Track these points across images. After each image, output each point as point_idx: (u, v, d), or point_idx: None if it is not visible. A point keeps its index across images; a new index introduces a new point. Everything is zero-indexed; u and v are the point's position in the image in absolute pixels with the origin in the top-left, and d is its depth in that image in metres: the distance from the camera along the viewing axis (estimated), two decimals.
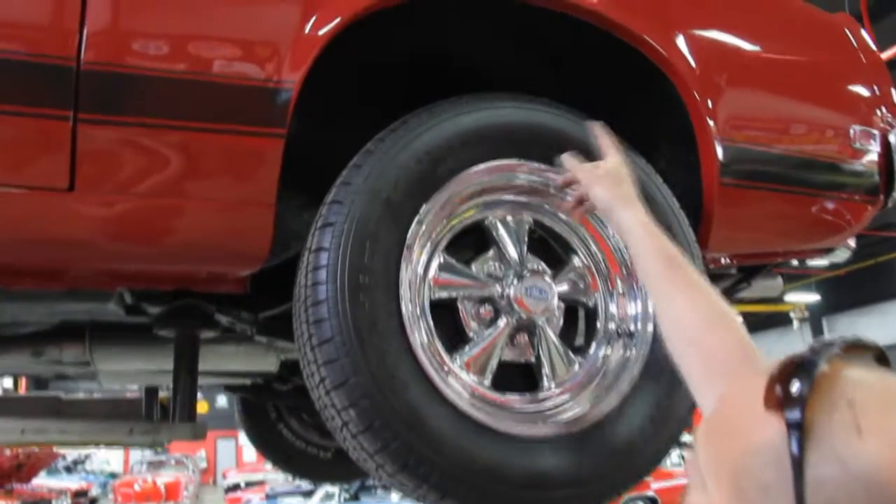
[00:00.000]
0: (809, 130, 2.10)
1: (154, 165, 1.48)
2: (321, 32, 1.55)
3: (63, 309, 1.88)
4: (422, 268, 1.61)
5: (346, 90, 1.88)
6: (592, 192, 1.39)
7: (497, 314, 1.66)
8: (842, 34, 2.26)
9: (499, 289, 1.65)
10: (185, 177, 1.49)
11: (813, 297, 21.76)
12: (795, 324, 22.28)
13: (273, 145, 1.52)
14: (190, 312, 1.85)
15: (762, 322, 23.00)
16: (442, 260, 1.64)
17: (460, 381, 1.58)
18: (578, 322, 1.81)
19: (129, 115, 1.45)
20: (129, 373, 2.58)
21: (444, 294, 1.64)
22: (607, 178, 1.38)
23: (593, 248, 1.77)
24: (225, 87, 1.50)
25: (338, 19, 1.57)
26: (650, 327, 1.73)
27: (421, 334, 1.56)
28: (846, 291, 21.28)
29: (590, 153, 1.71)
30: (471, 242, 1.74)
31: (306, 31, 1.54)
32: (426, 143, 1.59)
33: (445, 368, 1.57)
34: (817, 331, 22.49)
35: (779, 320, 22.87)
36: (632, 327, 1.75)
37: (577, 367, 1.71)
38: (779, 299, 21.52)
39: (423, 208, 1.58)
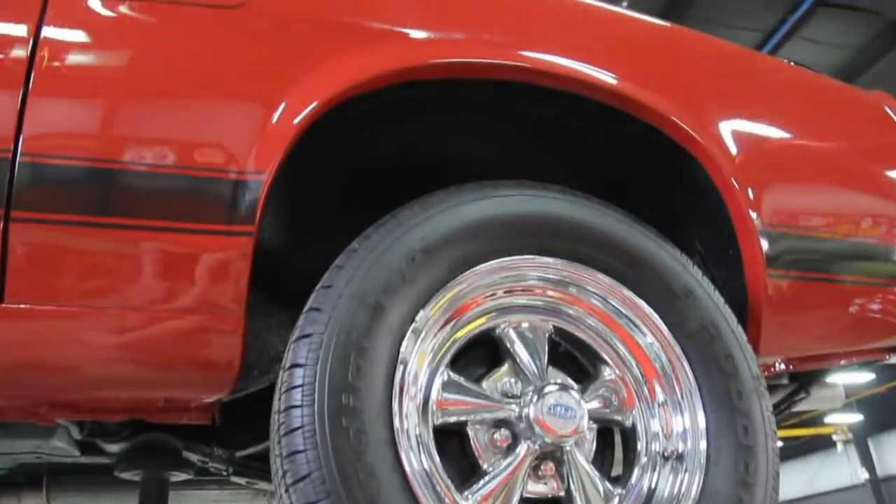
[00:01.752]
0: (860, 215, 1.85)
1: (98, 271, 1.26)
2: (295, 121, 1.35)
3: (2, 448, 1.61)
4: (422, 387, 1.34)
5: (333, 185, 1.67)
6: None
7: (515, 440, 1.37)
8: (882, 112, 2.06)
9: (515, 409, 1.38)
10: (130, 282, 1.26)
11: (855, 417, 20.89)
12: (839, 446, 21.35)
13: (239, 246, 1.29)
14: (154, 450, 1.58)
15: (804, 446, 22.09)
16: (447, 377, 1.38)
17: None
18: (615, 446, 1.52)
19: (66, 212, 1.24)
20: None
21: (450, 418, 1.36)
22: None
23: (625, 354, 1.50)
24: (181, 179, 1.29)
25: (312, 105, 1.37)
26: (703, 445, 1.43)
27: (421, 468, 1.27)
28: (890, 408, 20.41)
29: (616, 247, 1.48)
30: (481, 356, 1.48)
31: (275, 119, 1.34)
32: (421, 239, 1.35)
33: None
34: (864, 452, 21.52)
35: (821, 444, 21.96)
36: (680, 447, 1.45)
37: (616, 501, 1.41)
38: (819, 421, 20.75)
39: (420, 315, 1.33)
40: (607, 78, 1.59)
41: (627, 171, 1.82)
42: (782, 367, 1.84)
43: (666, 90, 1.65)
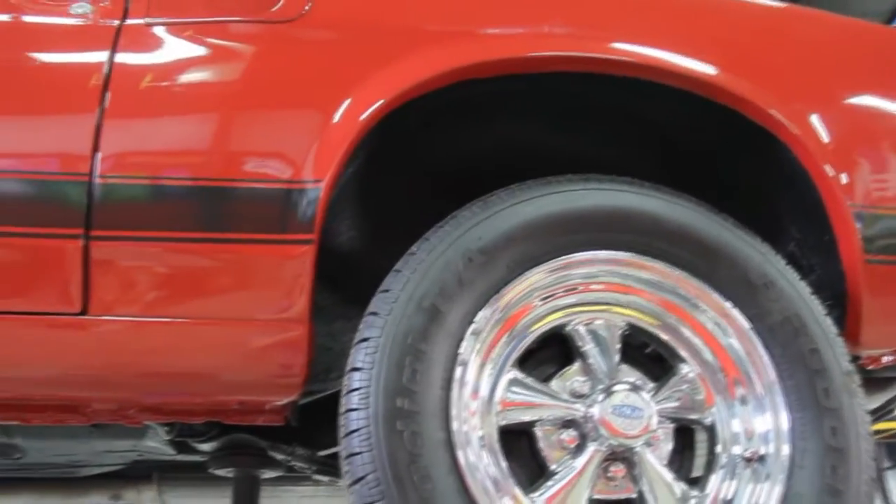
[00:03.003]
0: None
1: (171, 283, 1.33)
2: (352, 124, 1.37)
3: (103, 447, 1.73)
4: (486, 388, 1.33)
5: (405, 187, 1.68)
6: None
7: (583, 440, 1.34)
8: None
9: (581, 409, 1.35)
10: (205, 294, 1.33)
11: None
12: None
13: (301, 254, 1.32)
14: (242, 449, 1.65)
15: None
16: (512, 377, 1.36)
17: None
18: (695, 447, 1.46)
19: (139, 229, 1.31)
20: None
21: (515, 418, 1.35)
22: None
23: (702, 350, 1.43)
24: (245, 191, 1.34)
25: (375, 106, 1.38)
26: (786, 449, 1.36)
27: (483, 469, 1.27)
28: None
29: (688, 238, 1.43)
30: (554, 355, 1.45)
31: (332, 127, 1.36)
32: (479, 239, 1.34)
33: None
34: None
35: None
36: (762, 449, 1.38)
37: (692, 503, 1.36)
38: None
39: (480, 316, 1.32)
40: (691, 65, 1.53)
41: (715, 160, 1.74)
42: (892, 359, 1.72)
43: (754, 76, 1.57)
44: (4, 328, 1.34)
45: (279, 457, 1.69)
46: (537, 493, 1.31)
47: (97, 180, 1.33)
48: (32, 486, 2.09)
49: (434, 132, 1.64)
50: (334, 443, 1.63)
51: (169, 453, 1.71)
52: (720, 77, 1.52)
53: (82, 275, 1.32)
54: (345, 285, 1.61)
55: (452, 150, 1.71)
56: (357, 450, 1.21)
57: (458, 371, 1.28)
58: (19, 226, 1.34)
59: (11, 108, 1.40)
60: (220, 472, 1.75)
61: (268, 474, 1.80)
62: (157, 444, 1.65)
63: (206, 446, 1.65)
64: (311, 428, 1.58)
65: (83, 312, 1.32)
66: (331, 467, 1.69)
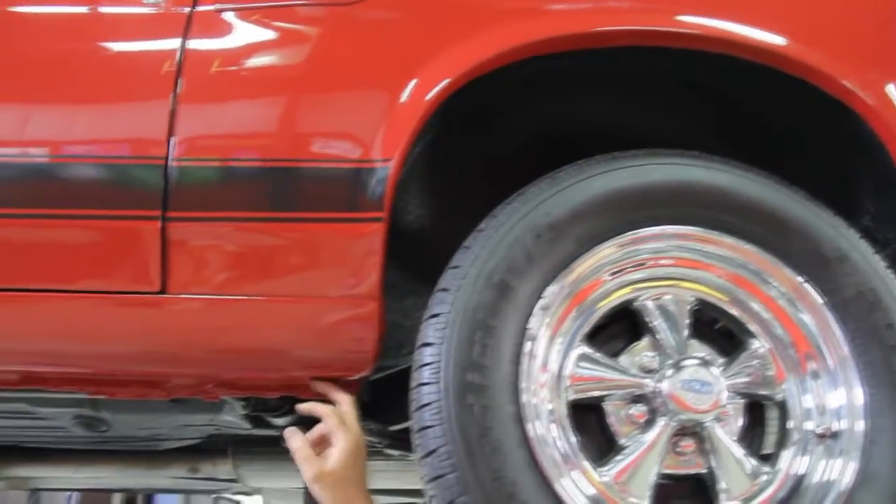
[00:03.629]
0: None
1: (246, 262, 1.37)
2: (420, 103, 1.38)
3: (183, 421, 1.79)
4: (554, 362, 1.35)
5: (475, 164, 1.69)
6: (311, 489, 1.38)
7: (653, 415, 1.35)
8: None
9: (651, 384, 1.35)
10: (278, 272, 1.36)
11: None
12: None
13: (371, 231, 1.35)
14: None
15: None
16: (581, 352, 1.37)
17: (608, 499, 1.28)
18: (766, 423, 1.45)
19: (214, 210, 1.35)
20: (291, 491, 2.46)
21: (584, 393, 1.35)
22: (330, 484, 1.37)
23: (773, 325, 1.42)
24: (317, 171, 1.37)
25: (443, 84, 1.39)
26: (861, 426, 1.34)
27: (552, 443, 1.28)
28: None
29: (758, 212, 1.41)
30: (623, 330, 1.45)
31: (401, 104, 1.38)
32: (547, 215, 1.35)
33: (586, 485, 1.28)
34: None
35: None
36: (835, 426, 1.37)
37: (763, 479, 1.35)
38: None
39: (549, 291, 1.33)
40: (759, 35, 1.50)
41: (788, 134, 1.71)
42: None
43: (826, 46, 1.53)
44: (88, 307, 1.40)
45: None
46: (606, 468, 1.32)
47: (173, 163, 1.38)
48: (116, 459, 2.17)
49: (499, 109, 1.64)
50: (405, 418, 1.66)
51: (244, 428, 1.76)
52: (790, 47, 1.49)
53: (161, 255, 1.37)
54: (414, 263, 1.63)
55: (518, 127, 1.71)
56: (429, 423, 1.23)
57: (528, 346, 1.29)
58: (101, 209, 1.39)
59: (92, 96, 1.46)
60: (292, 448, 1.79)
61: None
62: (233, 419, 1.70)
63: (280, 421, 1.69)
64: (383, 403, 1.61)
65: (162, 291, 1.37)
66: (402, 442, 1.72)
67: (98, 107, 1.46)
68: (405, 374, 1.56)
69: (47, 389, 1.54)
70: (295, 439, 1.41)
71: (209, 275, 1.37)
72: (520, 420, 1.25)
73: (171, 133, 1.39)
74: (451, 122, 1.52)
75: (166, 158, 1.38)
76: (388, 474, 2.12)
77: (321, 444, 1.42)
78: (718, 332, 1.48)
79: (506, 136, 1.71)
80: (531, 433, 1.25)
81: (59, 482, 2.48)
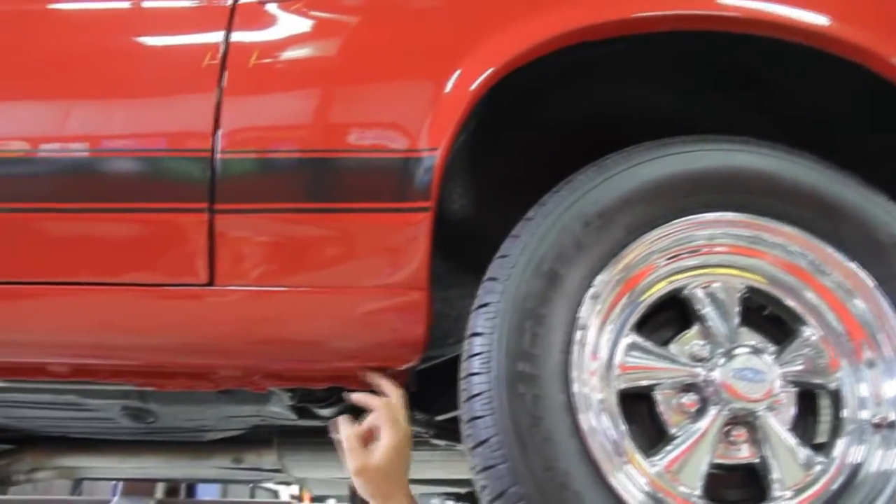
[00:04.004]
0: None
1: (293, 253, 1.37)
2: (464, 93, 1.38)
3: (230, 412, 1.80)
4: (604, 351, 1.33)
5: (518, 153, 1.68)
6: (354, 480, 1.39)
7: (704, 404, 1.33)
8: None
9: (702, 373, 1.33)
10: (325, 263, 1.37)
11: None
12: None
13: (418, 221, 1.34)
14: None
15: None
16: (631, 341, 1.35)
17: (659, 490, 1.27)
18: (819, 412, 1.43)
19: (260, 201, 1.36)
20: (334, 480, 2.46)
21: (634, 382, 1.34)
22: (373, 477, 1.38)
23: (826, 312, 1.39)
24: (362, 161, 1.37)
25: (487, 73, 1.38)
26: None
27: (603, 432, 1.27)
28: None
29: (809, 197, 1.39)
30: (671, 318, 1.44)
31: (446, 93, 1.37)
32: (596, 203, 1.34)
33: (637, 475, 1.27)
34: None
35: None
36: (892, 415, 1.34)
37: (817, 468, 1.33)
38: None
39: (599, 279, 1.32)
40: (801, 15, 1.48)
41: (834, 117, 1.68)
42: None
43: (873, 25, 1.50)
44: (137, 300, 1.41)
45: None
46: (657, 457, 1.30)
47: (219, 156, 1.38)
48: (161, 449, 2.20)
49: (542, 98, 1.63)
50: (452, 407, 1.66)
51: (290, 418, 1.77)
52: (835, 27, 1.46)
53: (208, 247, 1.38)
54: (458, 253, 1.63)
55: (558, 116, 1.70)
56: (479, 413, 1.23)
57: (578, 334, 1.28)
58: (148, 202, 1.40)
59: (137, 91, 1.47)
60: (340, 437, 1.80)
61: None
62: (279, 410, 1.71)
63: (326, 411, 1.70)
64: (430, 393, 1.61)
65: (210, 283, 1.38)
66: (448, 432, 1.72)
67: (144, 101, 1.47)
68: (451, 364, 1.56)
69: (96, 381, 1.56)
70: (344, 428, 1.42)
71: (256, 266, 1.38)
72: (571, 409, 1.24)
73: (216, 125, 1.39)
74: (492, 111, 1.51)
75: (212, 151, 1.38)
76: (433, 464, 2.12)
77: (368, 436, 1.42)
78: (767, 319, 1.46)
79: (546, 125, 1.70)
80: (582, 423, 1.24)
81: (104, 472, 2.52)
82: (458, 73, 1.38)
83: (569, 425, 1.23)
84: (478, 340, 1.27)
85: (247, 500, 5.30)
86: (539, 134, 1.70)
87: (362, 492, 1.40)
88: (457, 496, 2.85)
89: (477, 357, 1.26)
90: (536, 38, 1.42)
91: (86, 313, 1.44)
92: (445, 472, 2.17)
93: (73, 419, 1.92)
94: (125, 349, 1.48)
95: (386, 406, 1.41)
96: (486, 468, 1.22)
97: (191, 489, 3.74)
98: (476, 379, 1.25)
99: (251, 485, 5.56)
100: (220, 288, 1.38)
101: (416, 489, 2.77)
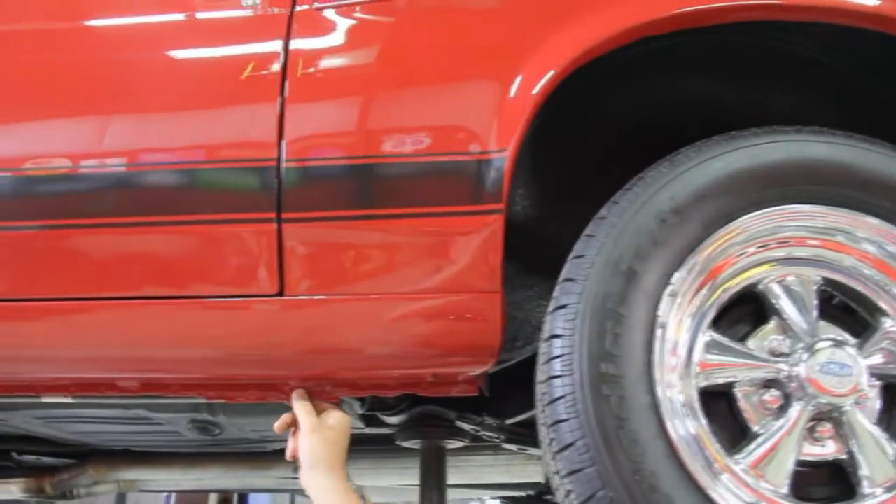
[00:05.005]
0: None
1: (363, 261, 1.36)
2: (532, 93, 1.36)
3: None
4: (683, 349, 1.31)
5: (580, 152, 1.66)
6: (305, 440, 1.42)
7: (787, 400, 1.30)
8: None
9: (785, 368, 1.31)
10: (396, 270, 1.35)
11: None
12: None
13: (490, 223, 1.33)
14: (431, 421, 1.68)
15: None
16: (709, 338, 1.33)
17: (746, 489, 1.25)
18: None
19: (329, 209, 1.35)
20: (389, 488, 2.45)
21: (715, 380, 1.32)
22: (323, 437, 1.42)
23: None
24: (430, 164, 1.36)
25: (549, 76, 1.37)
26: None
27: (687, 432, 1.25)
28: None
29: (887, 187, 1.36)
30: (745, 314, 1.41)
31: (512, 94, 1.36)
32: (670, 199, 1.31)
33: (724, 475, 1.25)
34: None
35: None
36: None
37: None
38: None
39: (676, 277, 1.30)
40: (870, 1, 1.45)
41: None
42: None
43: None
44: (208, 312, 1.41)
45: (467, 427, 1.72)
46: (741, 455, 1.28)
47: (285, 164, 1.38)
48: (221, 460, 2.20)
49: (602, 96, 1.61)
50: (521, 411, 1.65)
51: (357, 427, 1.76)
52: (886, 6, 1.43)
53: (277, 257, 1.37)
54: (522, 255, 1.61)
55: (621, 113, 1.68)
56: (564, 416, 1.21)
57: (658, 333, 1.26)
58: (216, 213, 1.39)
59: (200, 103, 1.47)
60: (407, 444, 1.79)
61: (452, 445, 1.83)
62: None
63: (394, 419, 1.69)
64: (499, 397, 1.59)
65: (280, 294, 1.37)
66: (519, 436, 1.71)
67: (207, 112, 1.47)
68: (519, 367, 1.55)
69: (166, 395, 1.56)
70: (299, 394, 1.48)
71: (326, 275, 1.37)
72: (655, 410, 1.22)
73: (281, 134, 1.39)
74: (551, 110, 1.50)
75: (278, 160, 1.38)
76: (497, 468, 2.11)
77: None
78: (838, 309, 1.43)
79: (604, 124, 1.68)
80: (667, 423, 1.22)
81: (164, 484, 2.53)
82: (524, 71, 1.37)
83: (654, 426, 1.21)
84: (558, 342, 1.25)
85: None
86: (596, 132, 1.69)
87: (311, 452, 1.42)
88: (512, 500, 2.83)
89: (558, 359, 1.24)
90: (595, 39, 1.40)
91: (157, 328, 1.44)
92: (509, 476, 2.16)
93: (139, 433, 1.93)
94: (198, 363, 1.47)
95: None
96: (572, 472, 1.20)
97: (243, 499, 3.75)
98: (558, 382, 1.23)
99: (291, 493, 5.58)
100: (290, 298, 1.37)
101: (473, 494, 2.77)
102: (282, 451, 2.15)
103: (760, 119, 1.48)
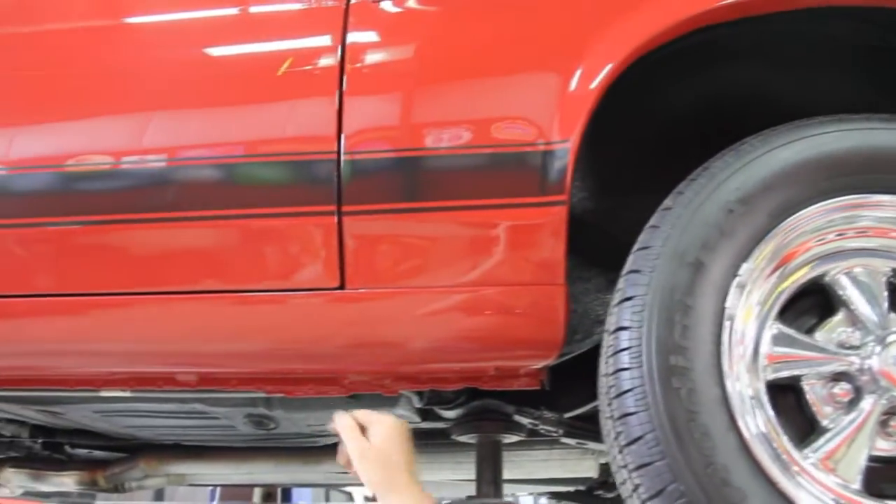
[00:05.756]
0: None
1: (425, 253, 1.35)
2: (592, 86, 1.35)
3: None
4: (750, 342, 1.29)
5: (638, 144, 1.64)
6: (357, 467, 1.38)
7: (858, 394, 1.28)
8: None
9: (856, 361, 1.28)
10: (459, 262, 1.34)
11: None
12: None
13: (554, 215, 1.32)
14: (488, 415, 1.67)
15: None
16: (776, 331, 1.31)
17: (817, 484, 1.22)
18: None
19: (390, 201, 1.34)
20: (441, 483, 2.44)
21: (782, 373, 1.29)
22: (375, 459, 1.37)
23: None
24: (492, 156, 1.34)
25: (607, 69, 1.35)
26: None
27: (756, 426, 1.23)
28: None
29: None
30: (811, 305, 1.39)
31: (573, 85, 1.34)
32: (737, 189, 1.29)
33: (795, 469, 1.23)
34: None
35: None
36: None
37: None
38: None
39: (744, 268, 1.27)
40: None
41: None
42: None
43: None
44: (267, 306, 1.41)
45: (524, 421, 1.71)
46: (810, 450, 1.25)
47: (345, 157, 1.37)
48: (272, 455, 2.20)
49: (658, 87, 1.59)
50: (579, 404, 1.64)
51: (414, 421, 1.76)
52: None
53: (338, 250, 1.36)
54: (579, 248, 1.60)
55: (676, 105, 1.66)
56: (632, 410, 1.19)
57: (727, 325, 1.24)
58: (276, 207, 1.39)
59: (259, 96, 1.46)
60: (463, 439, 1.78)
61: (507, 439, 1.82)
62: (405, 413, 1.69)
63: (451, 413, 1.69)
64: (556, 390, 1.58)
65: (341, 287, 1.37)
66: (578, 429, 1.69)
67: (266, 106, 1.46)
68: (576, 361, 1.53)
69: (225, 389, 1.56)
70: (342, 418, 1.41)
71: (387, 267, 1.37)
72: (725, 402, 1.20)
73: (340, 127, 1.38)
74: (608, 102, 1.48)
75: (338, 153, 1.37)
76: (551, 463, 2.10)
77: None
78: None
79: (659, 116, 1.66)
80: (737, 416, 1.20)
81: (214, 478, 2.54)
82: (586, 61, 1.35)
83: (725, 419, 1.19)
84: (625, 335, 1.24)
85: None
86: (652, 124, 1.67)
87: (366, 480, 1.38)
88: (559, 495, 2.81)
89: (626, 352, 1.23)
90: (654, 29, 1.38)
91: (216, 322, 1.45)
92: (562, 470, 2.14)
93: (193, 427, 1.94)
94: (255, 357, 1.48)
95: (359, 412, 1.42)
96: (641, 466, 1.18)
97: (286, 494, 3.77)
98: (626, 374, 1.22)
99: (326, 487, 5.60)
100: (351, 291, 1.36)
101: (527, 488, 2.75)
102: (332, 446, 2.16)
103: (819, 109, 1.45)
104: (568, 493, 2.70)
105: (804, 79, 1.65)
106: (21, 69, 1.58)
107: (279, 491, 3.48)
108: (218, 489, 3.27)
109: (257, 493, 3.30)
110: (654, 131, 1.68)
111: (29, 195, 1.50)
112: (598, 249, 1.58)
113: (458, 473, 2.13)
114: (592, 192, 1.67)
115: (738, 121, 1.51)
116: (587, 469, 2.17)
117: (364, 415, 1.41)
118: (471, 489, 1.86)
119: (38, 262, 1.48)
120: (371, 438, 1.38)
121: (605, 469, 2.28)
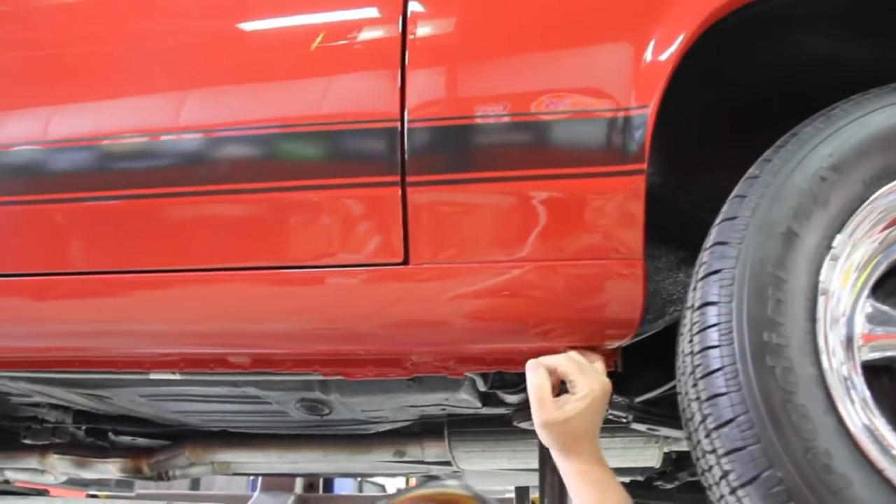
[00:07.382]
0: None
1: (495, 226, 1.28)
2: (671, 49, 1.27)
3: (413, 401, 1.72)
4: (845, 319, 1.21)
5: (709, 114, 1.56)
6: (540, 431, 1.27)
7: None
8: None
9: None
10: (530, 235, 1.27)
11: None
12: None
13: (633, 184, 1.24)
14: None
15: None
16: (870, 309, 1.22)
17: None
18: None
19: (457, 171, 1.27)
20: (497, 472, 2.37)
21: (878, 353, 1.21)
22: (564, 429, 1.25)
23: None
24: (567, 124, 1.27)
25: (684, 33, 1.28)
26: None
27: (856, 409, 1.15)
28: None
29: None
30: None
31: (649, 51, 1.27)
32: (829, 156, 1.21)
33: (894, 453, 1.14)
34: None
35: None
36: None
37: None
38: None
39: (838, 239, 1.19)
40: None
41: None
42: None
43: None
44: (331, 283, 1.34)
45: None
46: None
47: (409, 126, 1.30)
48: (320, 443, 2.15)
49: (729, 58, 1.51)
50: (647, 389, 1.56)
51: (475, 406, 1.69)
52: None
53: (402, 224, 1.30)
54: (649, 224, 1.52)
55: (747, 75, 1.57)
56: (722, 390, 1.11)
57: (821, 301, 1.16)
58: (338, 178, 1.33)
59: (319, 68, 1.39)
60: (523, 426, 1.71)
61: None
62: (468, 397, 1.62)
63: (514, 398, 1.62)
64: (626, 374, 1.50)
65: (405, 262, 1.30)
66: (649, 415, 1.61)
67: (328, 78, 1.39)
68: (649, 342, 1.46)
69: (280, 372, 1.50)
70: (535, 376, 1.26)
71: (454, 242, 1.30)
72: (823, 383, 1.12)
73: (403, 95, 1.31)
74: (678, 73, 1.40)
75: (402, 121, 1.30)
76: (612, 452, 2.01)
77: (557, 386, 1.29)
78: None
79: (731, 87, 1.58)
80: (836, 397, 1.12)
81: (259, 466, 2.49)
82: (665, 25, 1.28)
83: (823, 400, 1.11)
84: (713, 310, 1.16)
85: (376, 494, 5.29)
86: (723, 96, 1.58)
87: (545, 441, 1.28)
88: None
89: (714, 328, 1.15)
90: None
91: (271, 300, 1.38)
92: (623, 460, 2.06)
93: (242, 413, 1.88)
94: (313, 336, 1.41)
95: (569, 359, 1.28)
96: (732, 450, 1.10)
97: (328, 484, 3.73)
98: (714, 353, 1.14)
99: (359, 479, 5.56)
100: (416, 266, 1.30)
101: None
102: (382, 434, 2.10)
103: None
104: (624, 483, 2.63)
105: (880, 45, 1.57)
106: (60, 46, 1.52)
107: (321, 481, 3.43)
108: (259, 478, 3.22)
109: (299, 483, 3.25)
110: (729, 104, 1.60)
111: (76, 170, 1.44)
112: (667, 226, 1.50)
113: (515, 462, 2.06)
114: (660, 167, 1.59)
115: (809, 92, 1.43)
116: (649, 458, 2.08)
117: (566, 364, 1.26)
118: (523, 479, 1.79)
119: (84, 239, 1.43)
120: (565, 406, 1.24)
121: (666, 458, 2.20)
